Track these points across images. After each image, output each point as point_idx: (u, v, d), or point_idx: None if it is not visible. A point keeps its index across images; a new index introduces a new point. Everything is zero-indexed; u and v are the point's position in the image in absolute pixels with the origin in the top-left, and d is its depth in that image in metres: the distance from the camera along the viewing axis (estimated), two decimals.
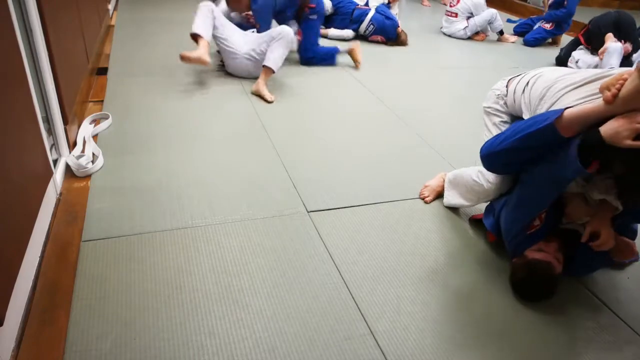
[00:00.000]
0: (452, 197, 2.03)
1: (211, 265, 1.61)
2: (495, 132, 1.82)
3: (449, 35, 5.07)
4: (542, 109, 1.55)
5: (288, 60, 3.74)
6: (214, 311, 1.43)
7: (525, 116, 1.67)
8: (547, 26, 5.13)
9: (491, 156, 1.59)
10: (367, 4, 4.34)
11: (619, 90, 1.28)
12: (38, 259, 1.55)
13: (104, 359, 1.26)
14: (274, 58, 3.01)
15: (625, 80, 1.28)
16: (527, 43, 5.10)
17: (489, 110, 1.90)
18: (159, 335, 1.34)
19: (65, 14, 2.38)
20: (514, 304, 1.58)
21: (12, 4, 1.56)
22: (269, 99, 2.94)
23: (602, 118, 1.32)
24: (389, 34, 4.30)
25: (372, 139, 2.61)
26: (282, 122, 2.71)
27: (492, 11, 5.00)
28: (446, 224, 1.96)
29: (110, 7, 4.55)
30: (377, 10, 4.29)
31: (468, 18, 5.00)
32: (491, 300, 1.59)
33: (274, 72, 3.03)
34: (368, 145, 2.54)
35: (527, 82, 1.70)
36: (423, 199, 2.10)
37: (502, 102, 1.85)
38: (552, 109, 1.50)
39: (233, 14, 3.44)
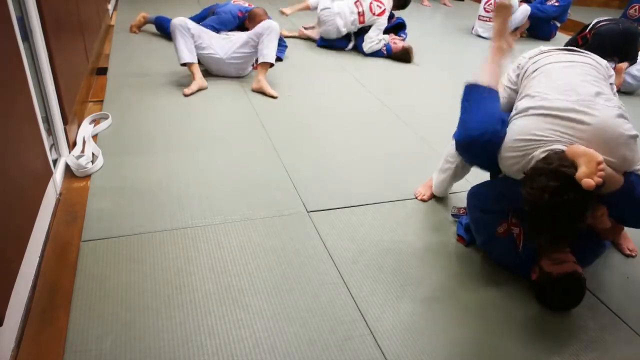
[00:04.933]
0: (434, 178, 2.08)
1: (211, 265, 1.61)
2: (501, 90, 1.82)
3: (485, 38, 5.06)
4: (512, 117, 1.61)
5: (288, 61, 3.75)
6: (214, 311, 1.43)
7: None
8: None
9: None
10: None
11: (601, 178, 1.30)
12: (38, 259, 1.55)
13: (104, 359, 1.26)
14: (269, 53, 3.02)
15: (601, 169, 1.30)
16: None
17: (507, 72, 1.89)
18: (159, 335, 1.34)
19: (65, 14, 2.38)
20: (514, 304, 1.58)
21: (12, 4, 1.55)
22: (274, 95, 2.99)
23: None
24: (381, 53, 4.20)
25: (372, 139, 2.61)
26: (282, 122, 2.71)
27: (527, 8, 5.02)
28: (446, 224, 1.96)
29: (110, 7, 4.55)
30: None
31: None
32: (491, 301, 1.59)
33: (273, 65, 3.06)
34: (368, 146, 2.54)
35: (532, 73, 1.70)
36: (420, 198, 2.10)
37: (515, 73, 1.82)
38: (511, 124, 1.56)
39: None
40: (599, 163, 1.30)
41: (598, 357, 1.42)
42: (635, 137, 1.43)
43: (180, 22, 2.97)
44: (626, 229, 1.91)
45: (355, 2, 3.94)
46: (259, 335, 1.37)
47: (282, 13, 4.19)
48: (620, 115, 1.45)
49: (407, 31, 4.33)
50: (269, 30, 3.02)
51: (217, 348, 1.32)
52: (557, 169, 1.33)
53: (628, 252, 1.87)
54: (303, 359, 1.32)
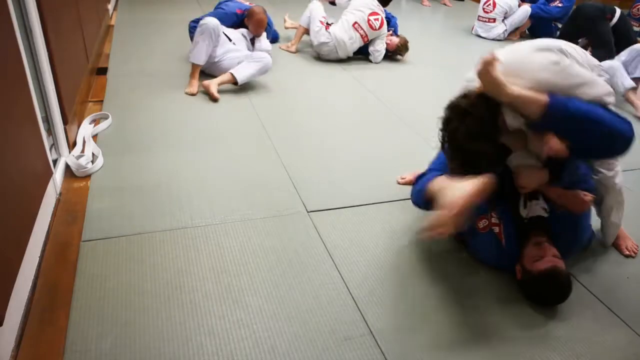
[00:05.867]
0: None
1: (211, 265, 1.61)
2: None
3: (485, 38, 5.07)
4: None
5: (289, 61, 3.76)
6: (214, 311, 1.43)
7: None
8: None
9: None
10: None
11: None
12: (38, 259, 1.55)
13: (104, 359, 1.26)
14: (244, 73, 3.00)
15: None
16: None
17: None
18: (159, 335, 1.34)
19: (65, 14, 2.38)
20: (512, 304, 1.58)
21: (11, 4, 1.55)
22: (215, 97, 2.88)
23: None
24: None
25: (372, 139, 2.61)
26: (282, 122, 2.71)
27: (527, 9, 5.04)
28: None
29: (110, 7, 4.55)
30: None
31: (503, 20, 5.05)
32: (490, 301, 1.59)
33: (235, 83, 3.01)
34: (368, 145, 2.54)
35: None
36: (398, 180, 2.19)
37: None
38: None
39: None
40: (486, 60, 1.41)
41: (598, 357, 1.42)
42: (555, 63, 1.44)
43: (215, 26, 2.97)
44: (625, 228, 1.91)
45: (354, 25, 3.76)
46: (259, 335, 1.37)
47: (290, 51, 4.01)
48: (544, 49, 1.50)
49: (396, 23, 4.22)
50: (262, 60, 3.03)
51: (217, 348, 1.32)
52: (451, 101, 1.54)
53: (627, 252, 1.87)
54: (303, 359, 1.32)
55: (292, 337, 1.38)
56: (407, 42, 4.00)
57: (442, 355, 1.38)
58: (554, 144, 1.43)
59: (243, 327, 1.39)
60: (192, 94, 2.93)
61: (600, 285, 1.70)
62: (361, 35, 3.79)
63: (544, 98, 1.40)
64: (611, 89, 1.50)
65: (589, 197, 1.60)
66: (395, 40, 3.99)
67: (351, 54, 3.86)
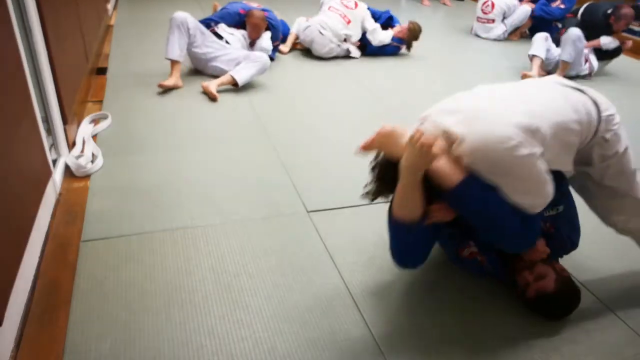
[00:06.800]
0: None
1: (211, 265, 1.61)
2: None
3: (485, 39, 5.07)
4: None
5: (289, 61, 3.75)
6: (214, 311, 1.43)
7: None
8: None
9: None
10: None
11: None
12: (37, 259, 1.55)
13: (104, 359, 1.26)
14: (244, 74, 3.00)
15: None
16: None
17: None
18: (159, 336, 1.33)
19: (64, 14, 2.38)
20: (514, 305, 1.58)
21: (11, 3, 1.55)
22: (214, 95, 2.87)
23: None
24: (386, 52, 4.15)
25: None
26: (282, 121, 2.71)
27: (527, 8, 5.03)
28: None
29: (110, 6, 4.55)
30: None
31: (502, 20, 5.05)
32: (490, 304, 1.59)
33: (236, 85, 3.01)
34: None
35: None
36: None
37: None
38: None
39: None
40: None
41: (598, 357, 1.42)
42: (511, 147, 1.26)
43: (182, 18, 2.96)
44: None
45: (329, 9, 3.88)
46: (259, 335, 1.37)
47: (281, 52, 3.94)
48: (520, 126, 1.29)
49: (397, 20, 4.25)
50: (260, 60, 3.04)
51: (217, 348, 1.32)
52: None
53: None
54: (303, 359, 1.31)
55: (292, 337, 1.38)
56: (418, 24, 4.01)
57: (441, 354, 1.37)
58: (436, 215, 1.40)
59: (243, 328, 1.39)
60: (162, 86, 2.88)
61: (601, 285, 1.70)
62: (340, 15, 3.85)
63: (456, 175, 1.31)
64: (545, 203, 1.36)
65: (546, 251, 1.53)
66: (404, 26, 4.04)
67: (340, 34, 3.82)
